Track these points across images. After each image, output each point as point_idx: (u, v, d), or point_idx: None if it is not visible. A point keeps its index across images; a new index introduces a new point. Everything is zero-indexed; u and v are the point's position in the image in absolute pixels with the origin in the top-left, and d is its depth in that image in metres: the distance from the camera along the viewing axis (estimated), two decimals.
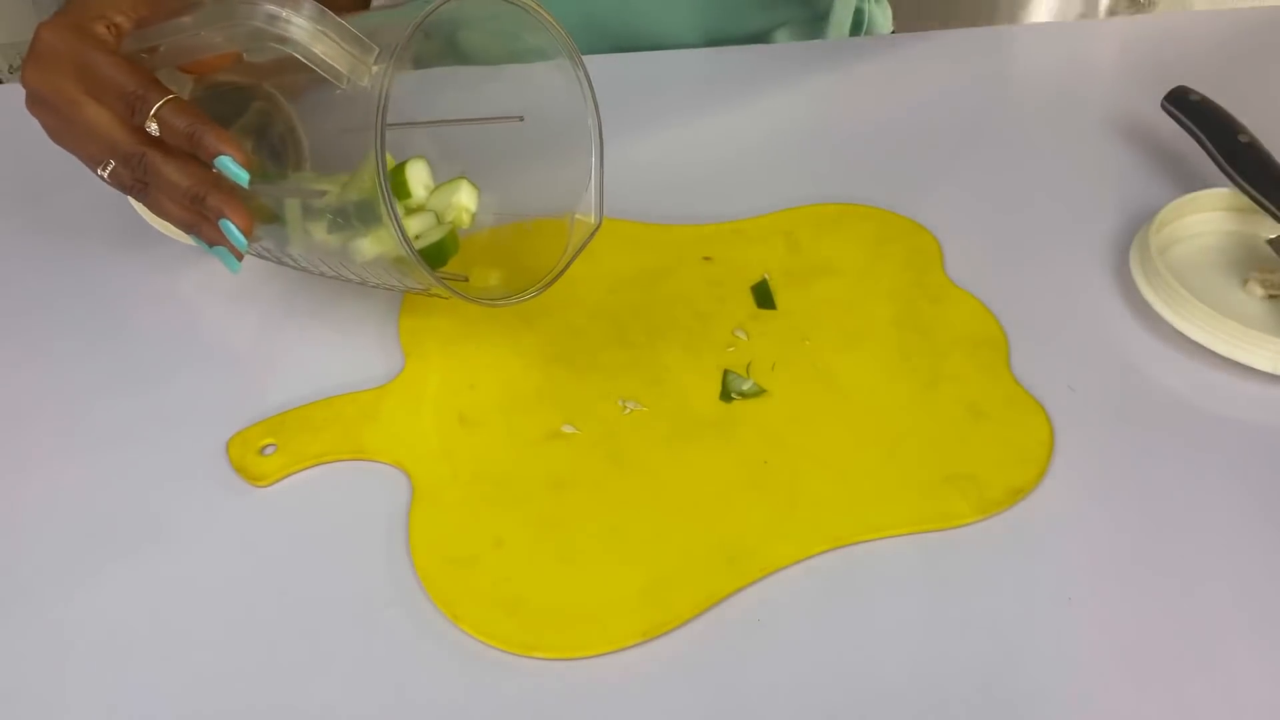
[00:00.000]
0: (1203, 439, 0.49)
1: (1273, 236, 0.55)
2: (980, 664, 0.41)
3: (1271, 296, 0.55)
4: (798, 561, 0.44)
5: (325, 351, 0.53)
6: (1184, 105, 0.60)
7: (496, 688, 0.40)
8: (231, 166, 0.41)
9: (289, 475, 0.47)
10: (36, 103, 0.44)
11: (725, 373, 0.50)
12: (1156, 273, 0.53)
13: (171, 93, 0.41)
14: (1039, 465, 0.47)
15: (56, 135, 0.44)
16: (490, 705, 0.40)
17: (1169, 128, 0.60)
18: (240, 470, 0.47)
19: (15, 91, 0.74)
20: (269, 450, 0.48)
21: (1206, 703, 0.40)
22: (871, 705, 0.40)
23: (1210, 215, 0.58)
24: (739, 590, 0.43)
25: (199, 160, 0.42)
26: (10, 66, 1.03)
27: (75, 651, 0.42)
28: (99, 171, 0.44)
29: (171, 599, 0.43)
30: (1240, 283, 0.56)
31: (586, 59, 0.47)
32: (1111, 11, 1.33)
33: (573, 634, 0.41)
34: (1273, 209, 0.55)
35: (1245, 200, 0.56)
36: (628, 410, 0.49)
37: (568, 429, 0.48)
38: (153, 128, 0.41)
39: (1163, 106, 0.61)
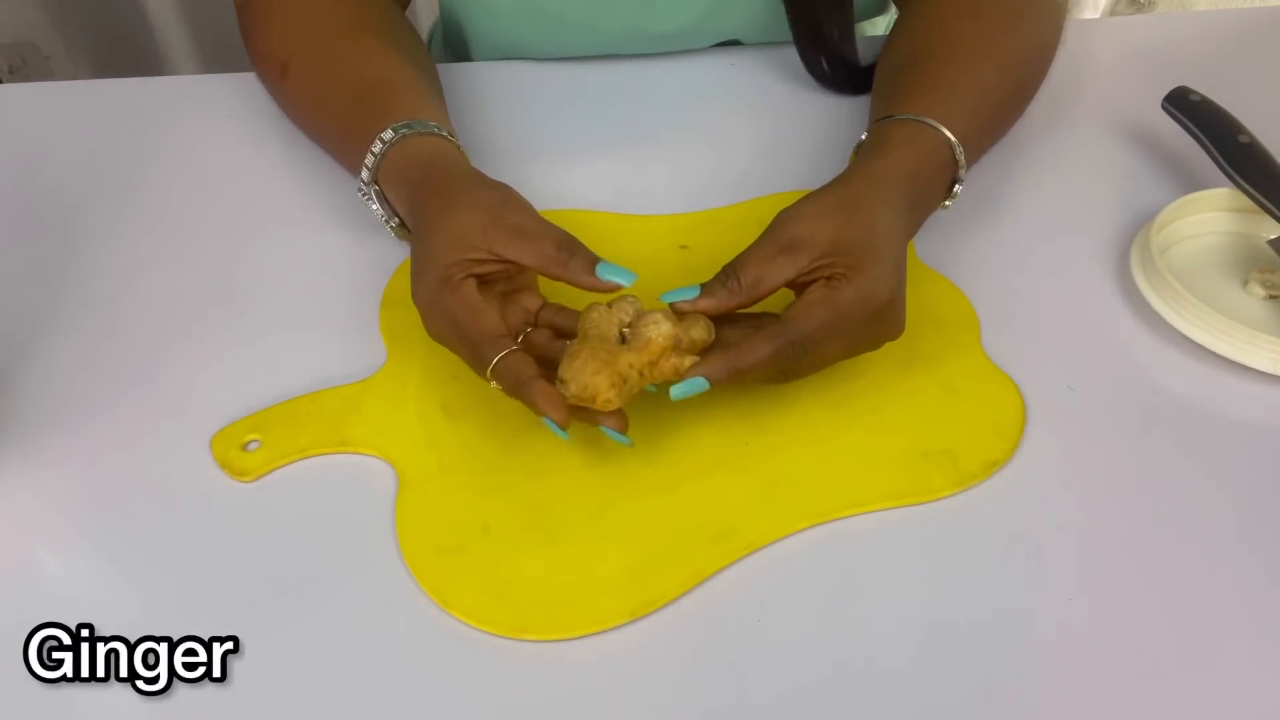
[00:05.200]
0: (1202, 439, 0.48)
1: (1273, 237, 0.55)
2: (963, 628, 0.42)
3: (1272, 297, 0.54)
4: (781, 538, 0.44)
5: (307, 346, 0.52)
6: (1184, 105, 0.59)
7: (489, 671, 0.41)
8: (552, 427, 0.43)
9: (273, 470, 0.47)
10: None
11: None
12: (1157, 273, 0.53)
13: (509, 346, 0.44)
14: (1012, 440, 0.48)
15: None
16: (483, 688, 0.40)
17: (1169, 128, 0.60)
18: (224, 466, 0.47)
19: (15, 91, 0.75)
20: (253, 446, 0.48)
21: (1206, 703, 0.39)
22: (859, 674, 0.40)
23: (1210, 216, 0.58)
24: (724, 568, 0.43)
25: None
26: (10, 67, 1.03)
27: (66, 653, 0.41)
28: None
29: (156, 595, 0.43)
30: (1241, 283, 0.55)
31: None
32: (1111, 11, 1.32)
33: (562, 616, 0.42)
34: (1273, 209, 0.54)
35: (1245, 201, 0.56)
36: None
37: None
38: (493, 384, 0.45)
39: (1163, 107, 0.60)
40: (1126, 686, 0.40)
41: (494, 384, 0.45)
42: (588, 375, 0.43)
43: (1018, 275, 0.56)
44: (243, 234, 0.59)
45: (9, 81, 1.04)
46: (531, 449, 0.48)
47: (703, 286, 0.45)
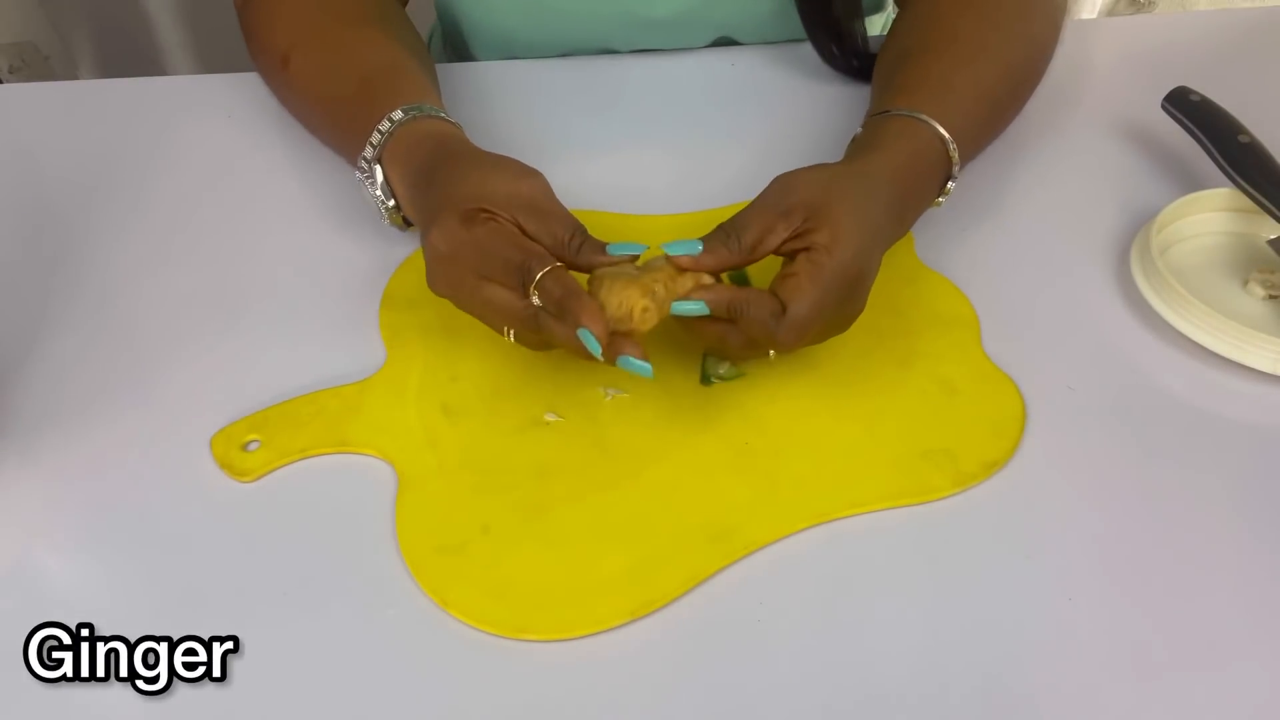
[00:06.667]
0: (1202, 439, 0.48)
1: (1273, 237, 0.55)
2: (963, 628, 0.42)
3: (1272, 297, 0.54)
4: (781, 539, 0.44)
5: (307, 346, 0.52)
6: (1184, 105, 0.59)
7: (488, 671, 0.41)
8: (589, 340, 0.43)
9: (273, 470, 0.47)
10: (443, 296, 0.48)
11: (704, 356, 0.50)
12: (1157, 273, 0.53)
13: (553, 263, 0.45)
14: (1012, 440, 0.48)
15: (466, 310, 0.48)
16: (483, 688, 0.40)
17: (1169, 128, 0.60)
18: (224, 466, 0.47)
19: (15, 91, 0.75)
20: (253, 446, 0.48)
21: (1207, 703, 0.39)
22: (859, 674, 0.40)
23: (1210, 216, 0.58)
24: (723, 568, 0.43)
25: None
26: (10, 67, 1.03)
27: (67, 652, 0.41)
28: (505, 335, 0.47)
29: (156, 595, 0.43)
30: (1241, 283, 0.55)
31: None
32: (1111, 11, 1.32)
33: (562, 616, 0.42)
34: (1273, 209, 0.54)
35: (1245, 201, 0.56)
36: (609, 397, 0.50)
37: (550, 417, 0.49)
38: (535, 299, 0.45)
39: (1163, 107, 0.60)
40: (1126, 686, 0.40)
41: (535, 298, 0.45)
42: (618, 292, 0.44)
43: (1018, 275, 0.56)
44: (243, 234, 0.59)
45: (9, 81, 1.04)
46: (531, 449, 0.48)
47: (704, 242, 0.46)
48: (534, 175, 0.49)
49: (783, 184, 0.48)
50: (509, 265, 0.45)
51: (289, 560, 0.44)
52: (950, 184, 0.55)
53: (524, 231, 0.46)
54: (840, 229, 0.45)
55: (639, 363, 0.44)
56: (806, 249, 0.46)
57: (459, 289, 0.47)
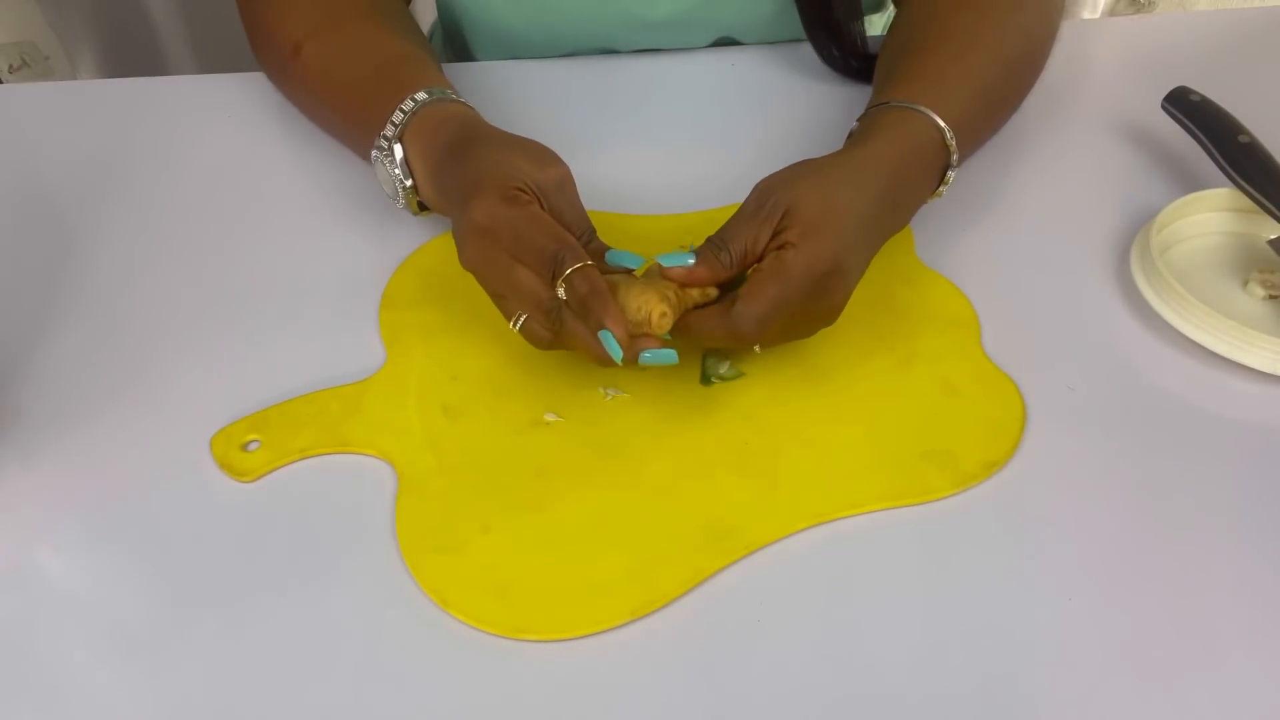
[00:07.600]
0: (1202, 439, 0.48)
1: (1273, 237, 0.55)
2: (963, 628, 0.42)
3: (1272, 297, 0.54)
4: (780, 539, 0.44)
5: (307, 346, 0.53)
6: (1184, 105, 0.60)
7: (488, 671, 0.41)
8: (609, 342, 0.44)
9: (273, 470, 0.47)
10: (472, 270, 0.48)
11: (705, 356, 0.50)
12: (1157, 273, 0.53)
13: (586, 260, 0.45)
14: (1012, 440, 0.48)
15: (487, 288, 0.48)
16: (483, 688, 0.40)
17: (1169, 128, 0.60)
18: (224, 466, 0.47)
19: (15, 91, 0.75)
20: (253, 446, 0.48)
21: (1207, 703, 0.39)
22: (859, 674, 0.40)
23: (1210, 216, 0.58)
24: (723, 568, 0.44)
25: None
26: (10, 66, 1.03)
27: (68, 653, 0.42)
28: (511, 324, 0.47)
29: (156, 595, 0.43)
30: (1240, 283, 0.55)
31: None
32: (1111, 12, 1.32)
33: (562, 616, 0.42)
34: (1273, 209, 0.54)
35: (1245, 201, 0.56)
36: (609, 397, 0.50)
37: (550, 417, 0.49)
38: (560, 291, 0.45)
39: (1163, 107, 0.60)
40: (1126, 686, 0.40)
41: (560, 290, 0.45)
42: (636, 296, 0.45)
43: (1018, 275, 0.56)
44: (242, 234, 0.59)
45: (9, 81, 1.04)
46: (531, 449, 0.48)
47: (696, 254, 0.47)
48: (556, 164, 0.49)
49: (761, 190, 0.48)
50: (543, 252, 0.45)
51: (288, 560, 0.44)
52: (950, 173, 0.55)
53: (546, 208, 0.47)
54: (811, 223, 0.46)
55: (663, 352, 0.45)
56: (780, 247, 0.46)
57: (490, 265, 0.47)
